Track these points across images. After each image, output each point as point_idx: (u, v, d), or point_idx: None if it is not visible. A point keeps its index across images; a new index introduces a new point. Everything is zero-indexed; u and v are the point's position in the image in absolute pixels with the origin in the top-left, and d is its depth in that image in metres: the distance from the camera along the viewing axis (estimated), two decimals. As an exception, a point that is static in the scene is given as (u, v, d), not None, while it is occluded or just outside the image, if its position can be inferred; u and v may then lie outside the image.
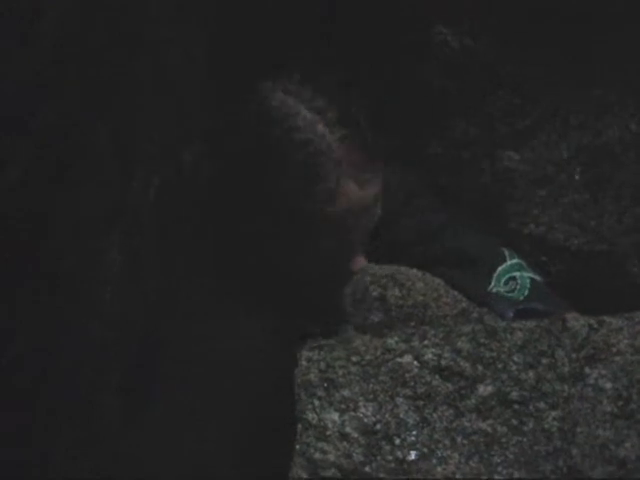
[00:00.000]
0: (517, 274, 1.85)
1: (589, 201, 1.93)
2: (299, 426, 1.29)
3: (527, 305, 1.79)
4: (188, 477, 1.47)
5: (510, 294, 1.83)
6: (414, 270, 1.79)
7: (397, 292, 1.71)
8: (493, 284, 1.85)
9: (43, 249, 1.34)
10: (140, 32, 1.47)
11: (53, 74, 1.33)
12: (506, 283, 1.85)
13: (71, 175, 1.37)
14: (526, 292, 1.84)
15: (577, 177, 1.93)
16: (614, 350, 1.34)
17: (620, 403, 1.30)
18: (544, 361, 1.33)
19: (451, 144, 1.98)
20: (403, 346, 1.34)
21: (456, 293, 1.77)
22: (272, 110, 1.65)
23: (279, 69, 1.70)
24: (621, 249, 1.91)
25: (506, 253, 1.88)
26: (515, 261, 1.87)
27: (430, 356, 1.34)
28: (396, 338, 1.35)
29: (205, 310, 1.60)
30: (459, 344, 1.34)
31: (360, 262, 1.72)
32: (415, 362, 1.33)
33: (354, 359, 1.34)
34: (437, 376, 1.33)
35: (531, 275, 1.86)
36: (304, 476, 1.25)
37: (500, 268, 1.86)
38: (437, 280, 1.79)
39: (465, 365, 1.33)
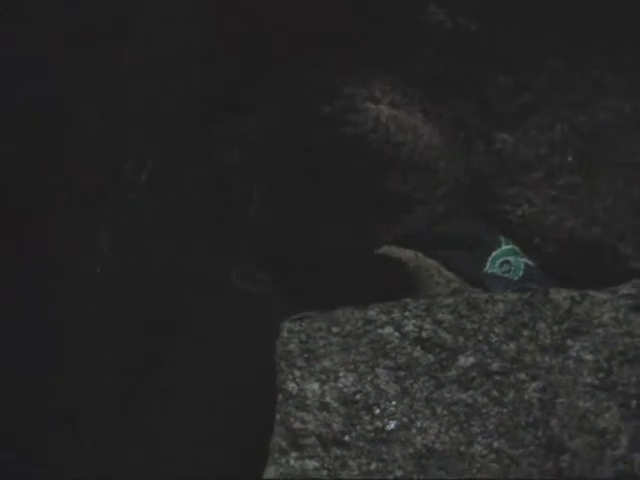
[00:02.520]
0: (511, 258, 1.87)
1: (583, 183, 1.92)
2: (279, 396, 1.30)
3: (523, 285, 1.80)
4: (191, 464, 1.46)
5: (505, 275, 1.84)
6: (407, 251, 1.79)
7: (388, 272, 1.72)
8: (488, 266, 1.86)
9: (32, 228, 1.35)
10: (130, 14, 1.48)
11: (46, 53, 1.34)
12: (501, 266, 1.86)
13: (61, 154, 1.37)
14: (520, 273, 1.85)
15: (570, 159, 1.93)
16: (596, 322, 1.34)
17: (601, 375, 1.30)
18: (525, 333, 1.33)
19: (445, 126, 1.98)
20: (384, 317, 1.35)
21: (449, 274, 1.77)
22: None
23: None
24: (615, 231, 1.91)
25: (502, 239, 1.89)
26: (510, 247, 1.88)
27: (411, 327, 1.34)
28: (377, 309, 1.35)
29: (212, 288, 1.60)
30: (440, 315, 1.35)
31: None
32: (396, 333, 1.34)
33: (335, 330, 1.34)
34: (418, 347, 1.33)
35: (525, 260, 1.87)
36: (283, 445, 1.26)
37: (495, 252, 1.87)
38: (430, 261, 1.79)
39: (446, 336, 1.33)
